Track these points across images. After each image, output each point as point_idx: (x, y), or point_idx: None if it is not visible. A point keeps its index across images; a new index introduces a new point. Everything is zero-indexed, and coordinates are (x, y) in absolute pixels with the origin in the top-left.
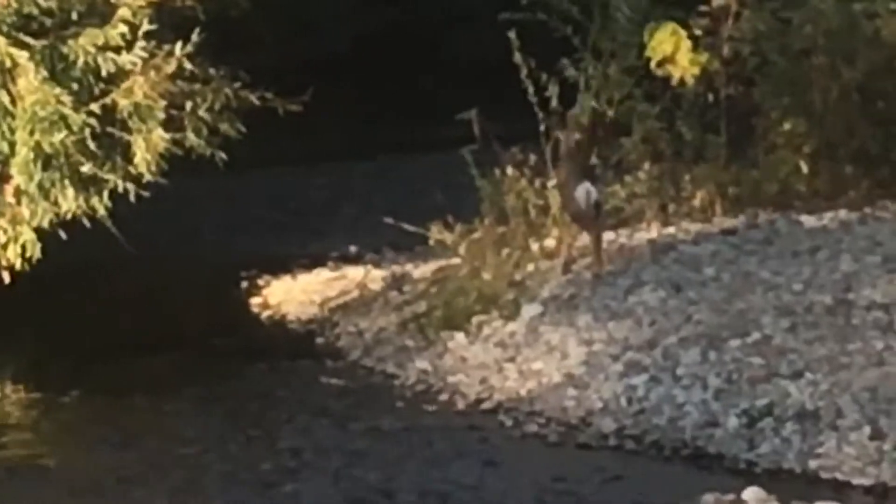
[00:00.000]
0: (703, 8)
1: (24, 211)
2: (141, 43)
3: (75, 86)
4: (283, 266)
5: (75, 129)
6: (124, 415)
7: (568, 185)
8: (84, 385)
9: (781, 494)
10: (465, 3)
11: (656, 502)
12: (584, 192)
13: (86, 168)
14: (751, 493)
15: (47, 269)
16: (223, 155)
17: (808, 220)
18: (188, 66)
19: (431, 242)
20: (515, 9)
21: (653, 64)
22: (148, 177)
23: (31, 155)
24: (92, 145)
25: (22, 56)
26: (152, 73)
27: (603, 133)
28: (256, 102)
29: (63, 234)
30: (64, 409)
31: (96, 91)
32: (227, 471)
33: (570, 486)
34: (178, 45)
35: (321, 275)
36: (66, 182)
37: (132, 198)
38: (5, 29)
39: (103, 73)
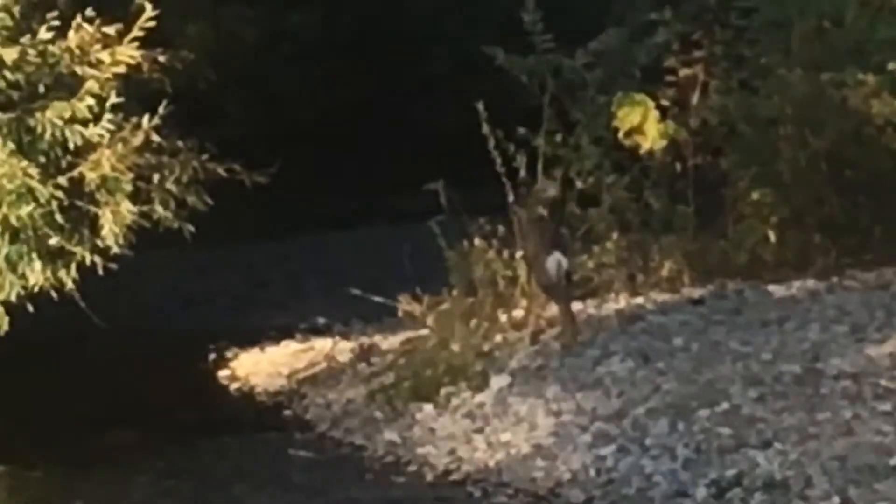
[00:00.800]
0: (670, 78)
1: None
2: (108, 115)
3: (43, 158)
4: (250, 338)
5: (43, 201)
6: (91, 489)
7: (538, 256)
8: (51, 458)
9: None
10: (429, 74)
11: None
12: (556, 262)
13: (53, 241)
14: None
15: (14, 343)
16: (191, 227)
17: (777, 290)
18: (156, 138)
19: (400, 314)
20: (485, 75)
21: (621, 134)
22: (115, 249)
23: None
24: (59, 218)
25: None
26: (120, 146)
27: (570, 204)
28: (224, 174)
29: (30, 307)
30: (30, 484)
31: (64, 164)
32: None
33: None
34: (146, 117)
35: (289, 347)
36: (34, 255)
37: (99, 270)
38: None
39: (71, 145)
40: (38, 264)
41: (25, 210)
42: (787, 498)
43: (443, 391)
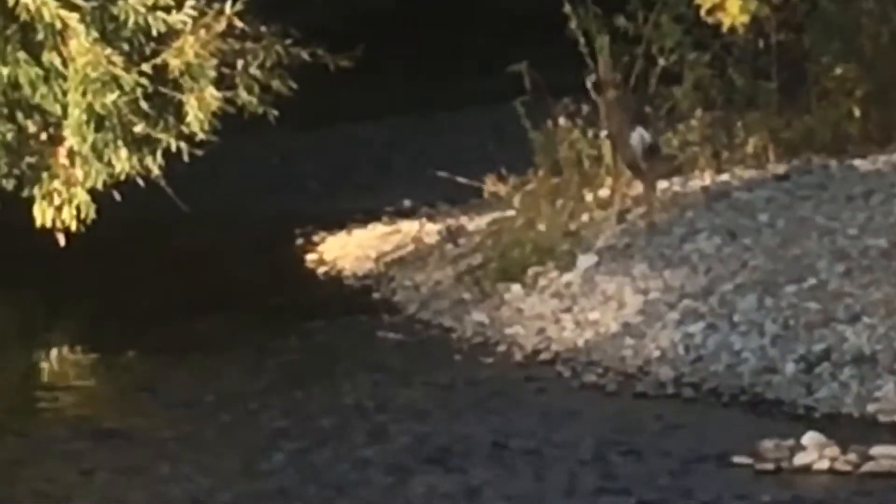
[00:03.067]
0: None
1: (78, 172)
2: (191, 2)
3: (126, 46)
4: (337, 222)
5: (127, 89)
6: (184, 374)
7: (622, 132)
8: (141, 345)
9: (840, 439)
10: None
11: (715, 449)
12: (639, 137)
13: (138, 128)
14: (810, 438)
15: (102, 231)
16: (275, 112)
17: (862, 165)
18: (238, 23)
19: (485, 195)
20: None
21: (702, 12)
22: (200, 135)
23: (84, 116)
24: (144, 105)
25: (72, 18)
26: (203, 32)
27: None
28: (308, 59)
29: (117, 195)
30: (122, 370)
31: (147, 51)
32: (290, 427)
33: (629, 435)
34: (229, 2)
35: (376, 230)
36: (119, 143)
37: (185, 157)
38: None
39: (154, 32)
40: (123, 152)
41: (110, 98)
42: (875, 372)
43: (530, 271)
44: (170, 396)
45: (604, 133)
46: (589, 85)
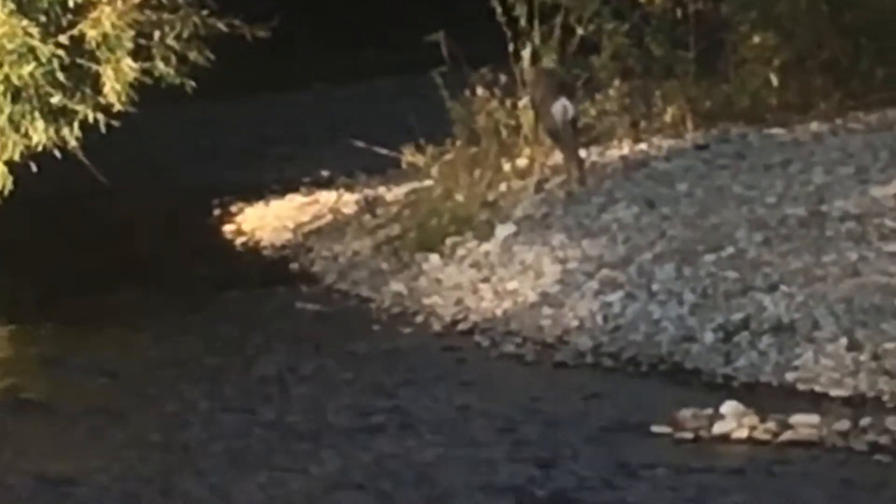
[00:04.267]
0: None
1: None
2: None
3: (43, 17)
4: (255, 193)
5: (44, 60)
6: (102, 345)
7: (545, 101)
8: (59, 316)
9: (759, 408)
10: None
11: (634, 419)
12: (562, 107)
13: (55, 100)
14: (728, 407)
15: (19, 202)
16: (192, 83)
17: (780, 133)
18: None
19: (404, 165)
20: None
21: None
22: (118, 107)
23: (1, 88)
24: (61, 77)
25: None
26: (119, 3)
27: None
28: (225, 29)
29: (34, 167)
30: (41, 341)
31: (64, 22)
32: (208, 398)
33: (548, 405)
34: None
35: (294, 200)
36: (37, 114)
37: (102, 128)
38: None
39: (71, 3)
40: (40, 123)
41: (27, 69)
42: (794, 340)
43: (448, 241)
44: (88, 367)
45: (522, 102)
46: (526, 55)
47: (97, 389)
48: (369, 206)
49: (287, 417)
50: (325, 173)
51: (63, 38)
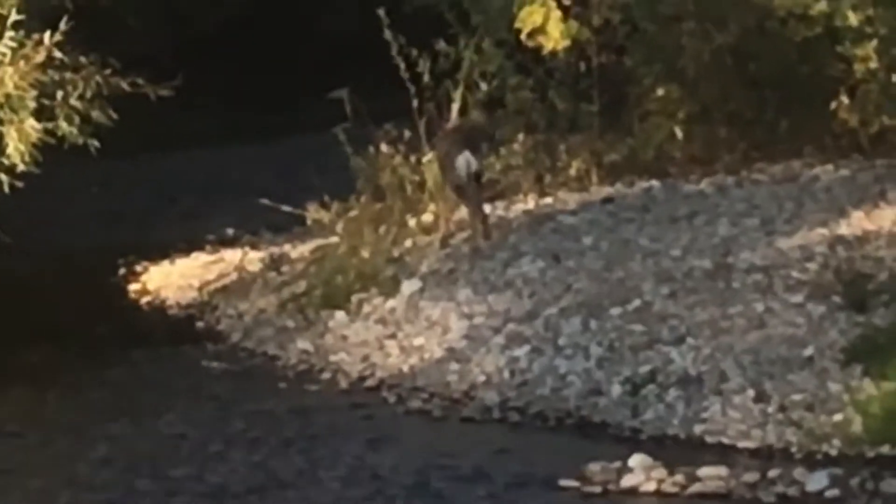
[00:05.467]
0: None
1: None
2: (10, 33)
3: None
4: (160, 251)
5: None
6: (8, 405)
7: (449, 155)
8: None
9: (667, 460)
10: None
11: (542, 473)
12: (465, 161)
13: None
14: (636, 460)
15: None
16: (96, 143)
17: (685, 186)
18: (58, 54)
19: (309, 222)
20: None
21: (523, 35)
22: (21, 167)
23: None
24: None
25: None
26: (22, 64)
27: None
28: (127, 89)
29: None
30: None
31: None
32: (112, 457)
33: (456, 460)
34: (48, 34)
35: (199, 259)
36: None
37: (6, 188)
38: None
39: None
40: None
41: None
42: (701, 393)
43: (354, 298)
44: None
45: (427, 158)
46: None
47: (5, 450)
48: (275, 263)
49: (195, 476)
50: (230, 231)
51: None
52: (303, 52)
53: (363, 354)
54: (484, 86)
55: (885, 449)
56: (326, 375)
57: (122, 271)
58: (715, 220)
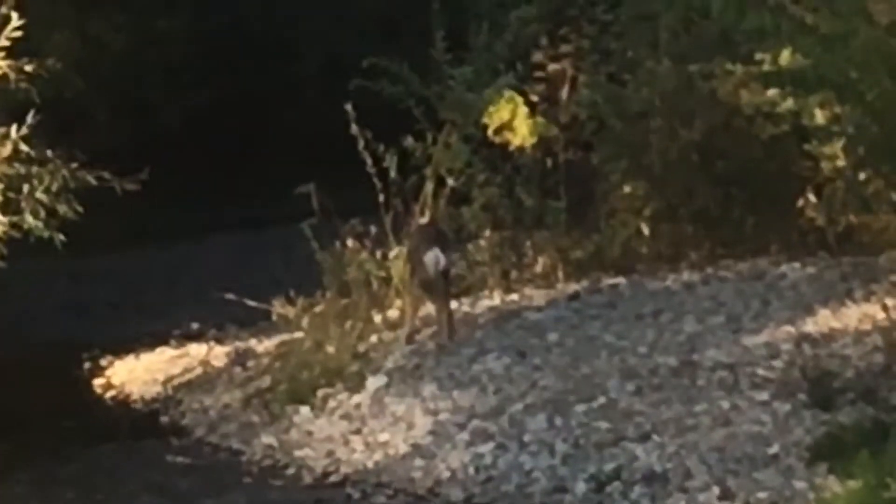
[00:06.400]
0: (539, 74)
1: None
2: None
3: None
4: (125, 346)
5: None
6: None
7: (417, 251)
8: None
9: None
10: (297, 76)
11: None
12: (434, 258)
13: None
14: None
15: None
16: (62, 236)
17: (651, 283)
18: (24, 148)
19: (274, 317)
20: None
21: (490, 131)
22: None
23: None
24: None
25: None
26: None
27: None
28: (94, 182)
29: None
30: None
31: None
32: None
33: None
34: (14, 127)
35: (164, 353)
36: None
37: None
38: None
39: None
40: None
41: None
42: (666, 490)
43: (319, 393)
44: None
45: (393, 254)
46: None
47: None
48: (240, 358)
49: None
50: (195, 326)
51: None
52: (269, 146)
53: (328, 450)
54: (451, 181)
55: None
56: (291, 471)
57: (86, 365)
58: (681, 318)
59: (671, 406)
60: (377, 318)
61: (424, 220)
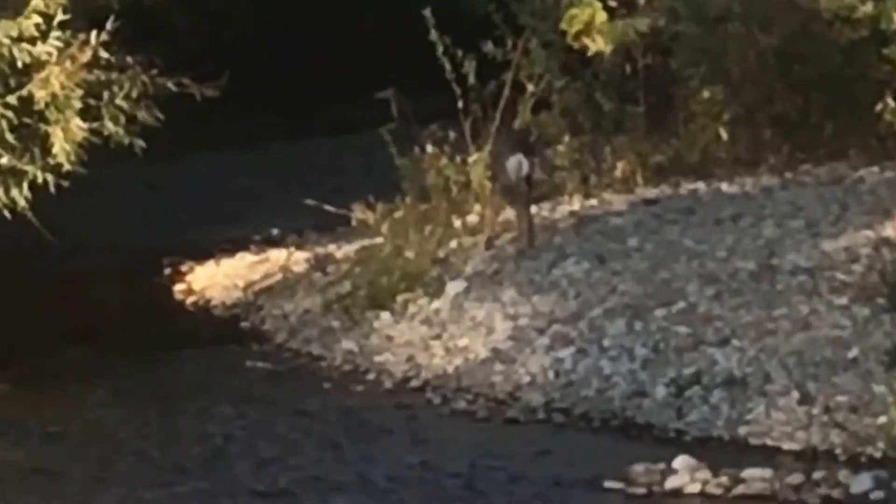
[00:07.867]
0: None
1: None
2: (56, 33)
3: None
4: (205, 252)
5: None
6: (51, 405)
7: (501, 156)
8: (7, 376)
9: (711, 462)
10: None
11: (586, 474)
12: (517, 163)
13: (4, 160)
14: (681, 461)
15: None
16: (142, 143)
17: (730, 188)
18: (104, 54)
19: (353, 223)
20: None
21: (569, 37)
22: (67, 167)
23: None
24: (10, 137)
25: None
26: (68, 63)
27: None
28: (174, 89)
29: None
30: None
31: (12, 83)
32: (158, 459)
33: (500, 461)
34: (94, 34)
35: (244, 259)
36: None
37: (52, 188)
38: None
39: (19, 64)
40: None
41: None
42: (746, 394)
43: (399, 298)
44: (38, 428)
45: (472, 159)
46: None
47: (47, 452)
48: (319, 264)
49: (240, 478)
50: (275, 232)
51: (11, 99)
52: (348, 52)
53: (408, 355)
54: (530, 87)
55: None
56: (371, 376)
57: (167, 271)
58: (760, 222)
59: (750, 310)
60: (456, 224)
61: (511, 124)
